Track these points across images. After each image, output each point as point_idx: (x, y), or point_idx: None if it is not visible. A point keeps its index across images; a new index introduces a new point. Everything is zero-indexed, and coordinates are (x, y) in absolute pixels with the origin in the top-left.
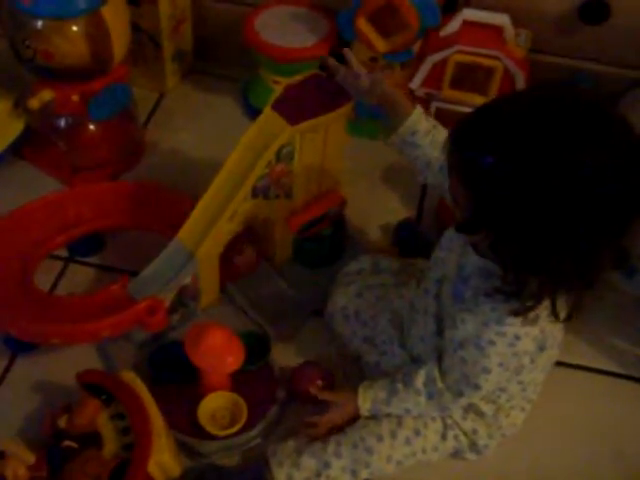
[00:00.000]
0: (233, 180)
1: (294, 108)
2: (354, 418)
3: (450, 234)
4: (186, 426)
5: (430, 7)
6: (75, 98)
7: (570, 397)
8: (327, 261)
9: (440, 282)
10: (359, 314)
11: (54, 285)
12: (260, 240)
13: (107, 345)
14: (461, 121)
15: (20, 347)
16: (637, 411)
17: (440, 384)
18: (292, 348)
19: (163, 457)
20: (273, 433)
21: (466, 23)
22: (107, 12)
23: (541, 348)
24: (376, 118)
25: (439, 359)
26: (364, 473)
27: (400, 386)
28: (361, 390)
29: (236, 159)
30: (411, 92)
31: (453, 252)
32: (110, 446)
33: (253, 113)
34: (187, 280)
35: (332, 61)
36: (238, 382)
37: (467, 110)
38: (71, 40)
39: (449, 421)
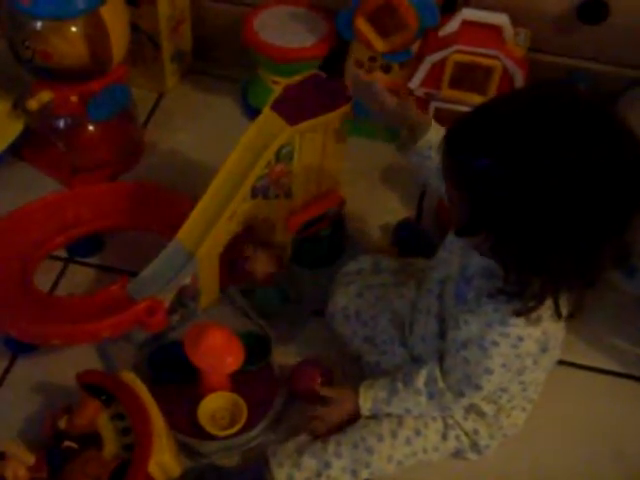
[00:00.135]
0: (232, 180)
1: (293, 108)
2: (354, 417)
3: (452, 236)
4: (186, 426)
5: (429, 7)
6: (74, 99)
7: (571, 397)
8: (326, 261)
9: (443, 282)
10: (359, 314)
11: (54, 286)
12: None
13: (107, 346)
14: (455, 124)
15: (20, 348)
16: (638, 411)
17: (441, 384)
18: (292, 348)
19: (164, 457)
20: (273, 433)
21: (465, 23)
22: (106, 13)
23: (543, 350)
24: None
25: (440, 359)
26: (364, 473)
27: (400, 385)
28: (362, 389)
29: (235, 159)
30: (410, 92)
31: (455, 253)
32: (110, 447)
33: (252, 113)
34: (187, 280)
35: (362, 73)
36: (238, 382)
37: (467, 110)
38: (70, 41)
39: (450, 421)
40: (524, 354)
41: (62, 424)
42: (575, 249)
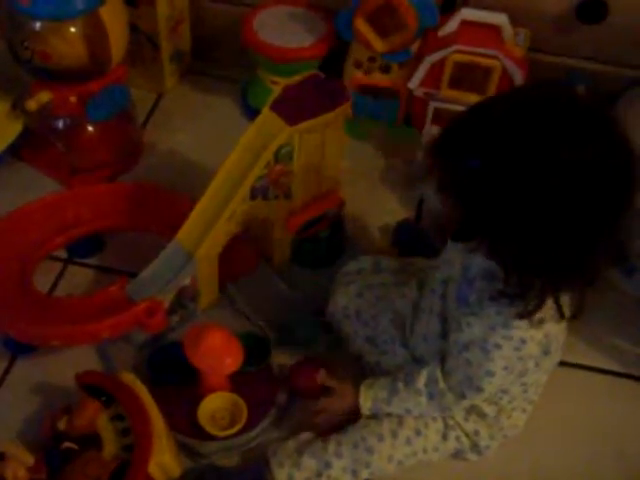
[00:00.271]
0: (232, 181)
1: (293, 108)
2: (354, 416)
3: None
4: (186, 427)
5: (428, 7)
6: (73, 99)
7: (571, 397)
8: (325, 262)
9: (446, 283)
10: (360, 314)
11: (53, 286)
12: (258, 240)
13: (106, 346)
14: (448, 125)
15: (19, 349)
16: (638, 410)
17: (442, 385)
18: (291, 348)
19: (164, 458)
20: (273, 433)
21: (464, 23)
22: (105, 13)
23: (545, 352)
24: (375, 118)
25: (442, 360)
26: (365, 473)
27: (401, 385)
28: (362, 389)
29: (235, 160)
30: (410, 92)
31: (457, 254)
32: (110, 447)
33: (252, 113)
34: (186, 281)
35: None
36: (238, 383)
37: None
38: (69, 41)
39: (451, 422)
40: (526, 356)
41: (62, 425)
42: (570, 247)
